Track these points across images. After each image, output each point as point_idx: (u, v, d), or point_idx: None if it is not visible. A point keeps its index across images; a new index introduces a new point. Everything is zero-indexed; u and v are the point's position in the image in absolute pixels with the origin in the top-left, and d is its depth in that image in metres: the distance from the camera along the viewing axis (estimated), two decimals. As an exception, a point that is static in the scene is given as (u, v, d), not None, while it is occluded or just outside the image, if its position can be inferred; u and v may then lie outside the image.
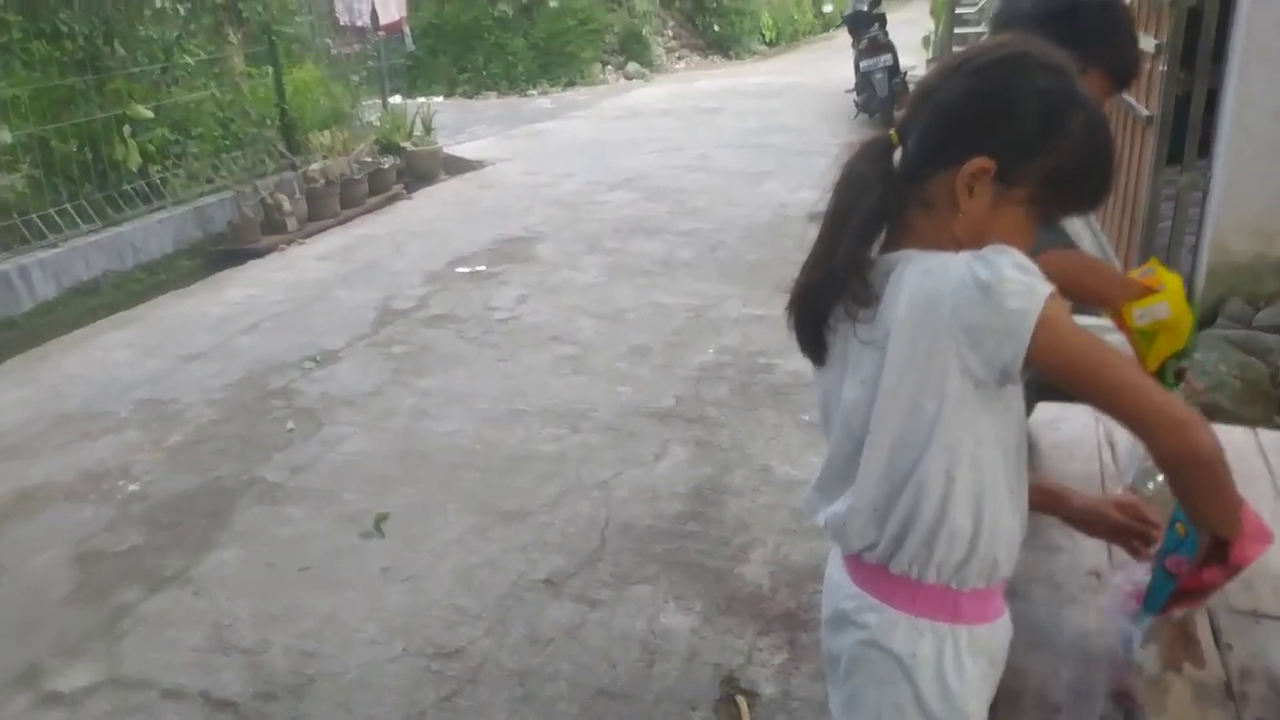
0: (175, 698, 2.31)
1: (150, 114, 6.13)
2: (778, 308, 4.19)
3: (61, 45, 5.72)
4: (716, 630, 2.51)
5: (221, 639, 2.51)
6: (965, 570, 1.08)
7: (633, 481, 3.26)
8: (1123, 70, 1.47)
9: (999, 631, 1.13)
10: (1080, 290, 1.42)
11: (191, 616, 2.62)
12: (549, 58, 15.24)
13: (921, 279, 1.02)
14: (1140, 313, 1.38)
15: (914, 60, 10.98)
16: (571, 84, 15.19)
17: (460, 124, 11.10)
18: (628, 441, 3.50)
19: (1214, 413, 3.06)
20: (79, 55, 5.80)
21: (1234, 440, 1.77)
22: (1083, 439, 1.79)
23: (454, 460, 3.48)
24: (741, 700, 2.27)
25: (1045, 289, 0.96)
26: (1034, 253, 1.08)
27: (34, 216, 5.51)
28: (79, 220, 5.71)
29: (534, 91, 14.83)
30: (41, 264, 5.37)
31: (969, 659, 1.09)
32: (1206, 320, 3.92)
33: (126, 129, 6.03)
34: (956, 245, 1.04)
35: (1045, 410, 1.91)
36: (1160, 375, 1.39)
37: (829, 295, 1.10)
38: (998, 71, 1.06)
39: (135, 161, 6.05)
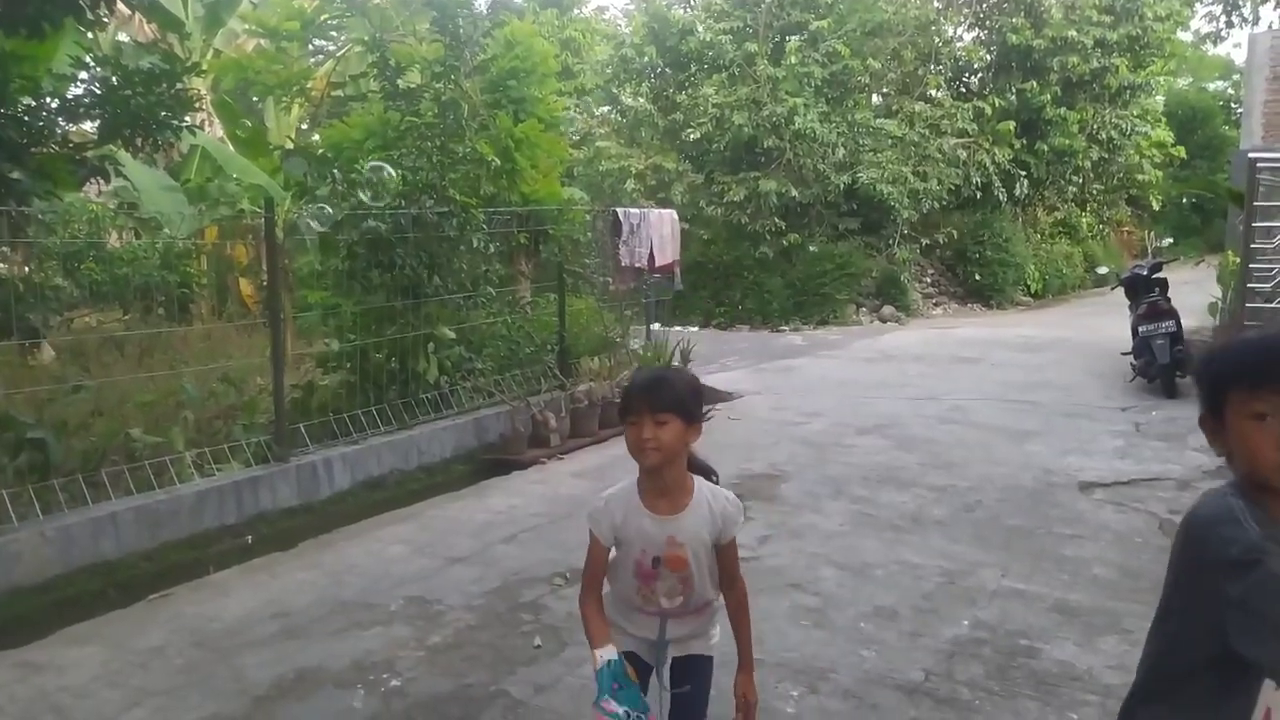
0: None
1: (453, 335, 6.95)
2: (1041, 584, 3.99)
3: (392, 273, 6.68)
4: None
5: None
6: None
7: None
8: None
9: None
10: None
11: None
12: (804, 297, 15.86)
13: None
14: None
15: (1199, 325, 10.45)
16: (824, 323, 15.65)
17: (713, 354, 11.63)
18: (869, 714, 3.34)
19: None
20: (404, 282, 6.73)
21: None
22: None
23: None
24: None
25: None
26: None
27: (345, 415, 6.28)
28: (379, 422, 6.44)
29: (786, 328, 15.38)
30: (343, 458, 6.06)
31: None
32: None
33: (430, 346, 6.85)
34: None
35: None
36: None
37: None
38: None
39: (433, 375, 6.81)
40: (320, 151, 7.49)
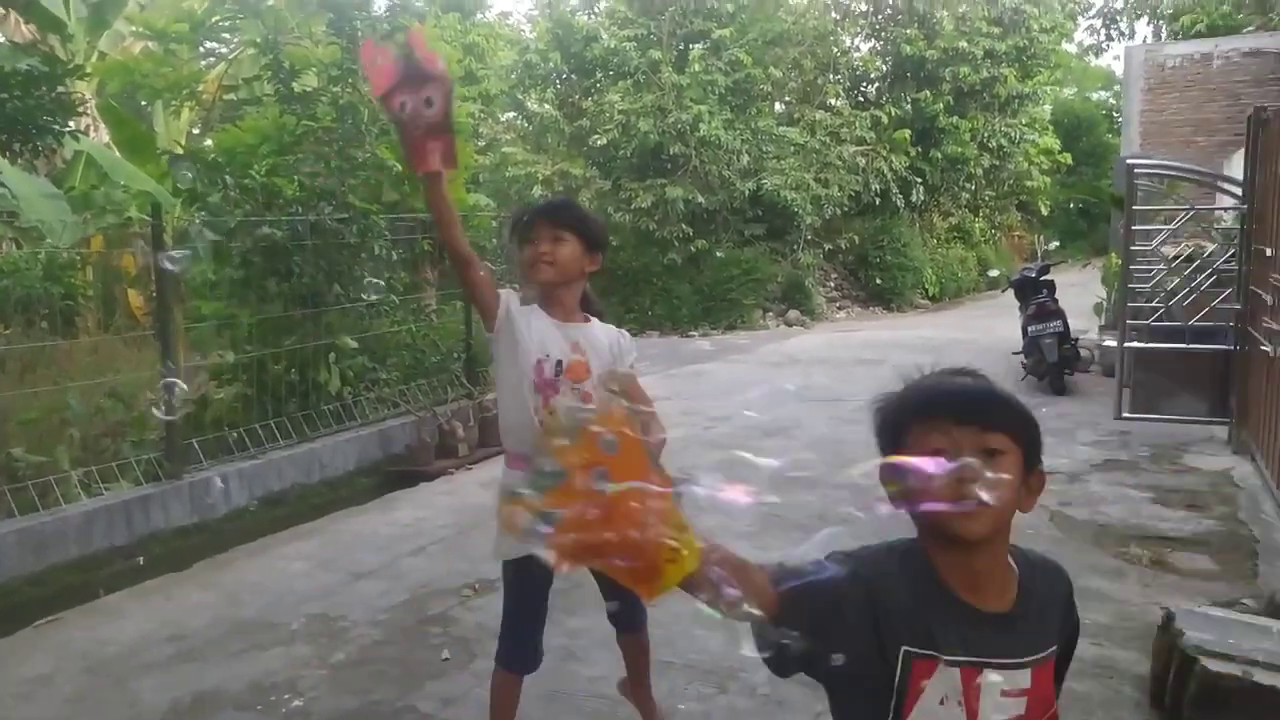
0: None
1: (355, 344, 6.81)
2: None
3: (290, 282, 6.50)
4: None
5: None
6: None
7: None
8: None
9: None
10: None
11: None
12: (712, 302, 16.06)
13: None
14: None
15: (1085, 325, 10.93)
16: (732, 328, 15.86)
17: (625, 361, 11.66)
18: (776, 710, 3.39)
19: None
20: (303, 291, 6.56)
21: None
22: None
23: (598, 709, 3.45)
24: None
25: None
26: None
27: (241, 430, 6.09)
28: (278, 435, 6.26)
29: (695, 333, 15.53)
30: (240, 474, 5.87)
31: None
32: None
33: (332, 356, 6.70)
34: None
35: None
36: None
37: None
38: None
39: (335, 385, 6.66)
40: (212, 157, 7.24)
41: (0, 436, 5.57)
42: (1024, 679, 1.29)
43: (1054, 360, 9.27)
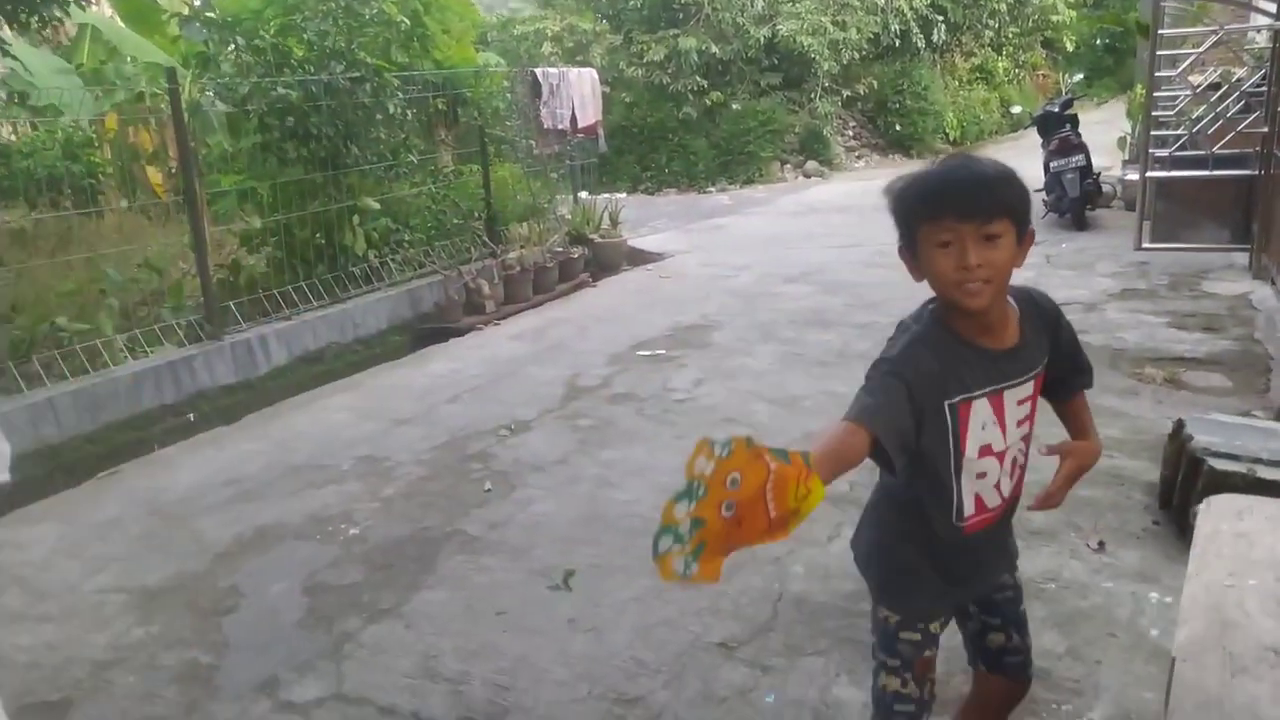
0: (390, 715, 2.60)
1: (377, 206, 6.87)
2: (955, 399, 4.08)
3: (309, 145, 6.52)
4: (887, 705, 2.55)
5: (428, 668, 2.79)
6: None
7: (806, 559, 3.36)
8: None
9: None
10: None
11: (403, 646, 2.91)
12: (729, 156, 15.81)
13: None
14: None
15: (1108, 161, 10.75)
16: (750, 181, 15.68)
17: (642, 218, 11.65)
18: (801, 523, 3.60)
19: None
20: (322, 154, 6.59)
21: None
22: (1265, 530, 1.81)
23: (633, 526, 3.68)
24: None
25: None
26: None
27: (275, 292, 6.25)
28: (310, 297, 6.42)
29: (713, 188, 15.38)
30: (277, 334, 6.06)
31: None
32: None
33: (355, 219, 6.78)
34: None
35: (1231, 501, 1.94)
36: None
37: None
38: None
39: (361, 247, 6.77)
40: (221, 19, 7.13)
41: (42, 307, 5.76)
42: (1029, 388, 1.71)
43: (1075, 195, 9.19)
